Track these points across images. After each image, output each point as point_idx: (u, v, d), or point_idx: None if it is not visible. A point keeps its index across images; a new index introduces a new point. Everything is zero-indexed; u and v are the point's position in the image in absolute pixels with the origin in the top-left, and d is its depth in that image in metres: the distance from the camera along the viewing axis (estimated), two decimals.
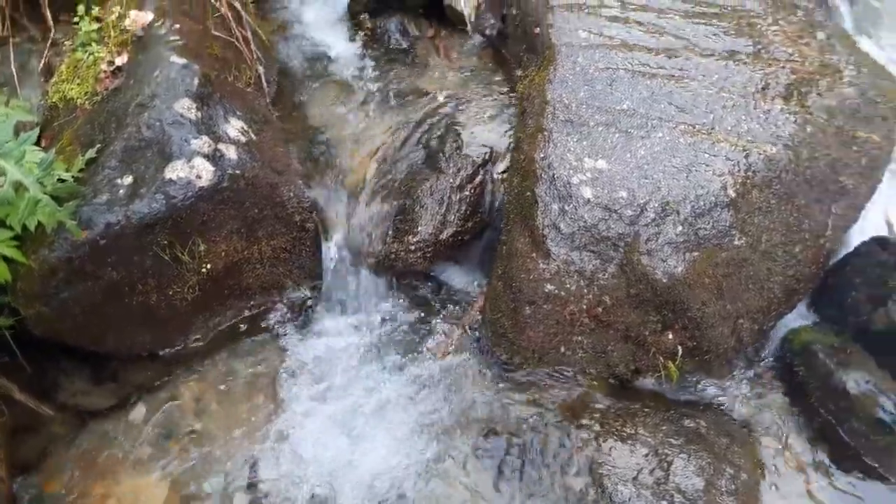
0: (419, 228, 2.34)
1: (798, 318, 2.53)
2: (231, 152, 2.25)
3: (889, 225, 2.57)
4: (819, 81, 2.40)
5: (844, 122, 2.36)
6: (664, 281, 2.16)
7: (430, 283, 2.50)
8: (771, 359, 2.46)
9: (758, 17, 2.55)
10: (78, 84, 2.43)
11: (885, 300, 2.29)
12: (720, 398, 2.35)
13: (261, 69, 2.64)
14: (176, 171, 2.17)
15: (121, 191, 2.15)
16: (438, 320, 2.45)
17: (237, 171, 2.23)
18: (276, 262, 2.42)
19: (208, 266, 2.31)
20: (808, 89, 2.38)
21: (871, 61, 2.58)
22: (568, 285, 2.19)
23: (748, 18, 2.54)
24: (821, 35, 2.55)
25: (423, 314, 2.47)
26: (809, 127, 2.30)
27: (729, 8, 2.58)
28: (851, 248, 2.47)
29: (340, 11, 3.10)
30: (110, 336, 2.32)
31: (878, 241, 2.41)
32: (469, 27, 2.92)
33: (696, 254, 2.17)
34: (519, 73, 2.66)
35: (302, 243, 2.43)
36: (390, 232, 2.35)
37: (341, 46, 2.99)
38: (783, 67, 2.41)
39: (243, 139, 2.32)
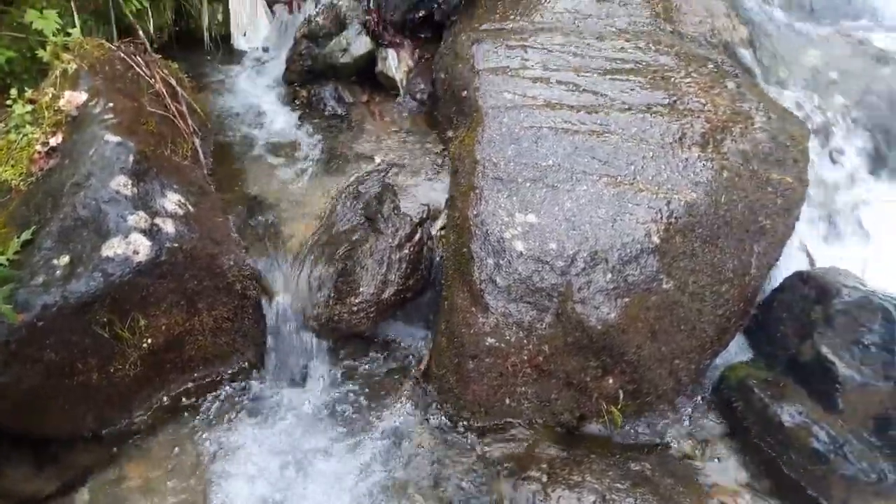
0: (361, 289, 2.38)
1: (737, 353, 2.62)
2: (168, 226, 2.27)
3: (809, 259, 2.71)
4: (732, 129, 2.55)
5: (759, 166, 2.50)
6: (599, 327, 2.23)
7: (375, 344, 2.53)
8: (711, 396, 2.53)
9: (671, 71, 2.71)
10: (12, 166, 2.43)
11: (811, 332, 2.39)
12: (664, 439, 2.40)
13: (197, 141, 2.68)
14: (113, 248, 2.18)
15: (57, 271, 2.14)
16: (385, 381, 2.47)
17: (175, 245, 2.25)
18: (218, 333, 2.42)
19: (149, 341, 2.30)
20: (723, 136, 2.52)
21: (779, 107, 2.75)
22: (508, 337, 2.24)
23: (662, 73, 2.70)
24: (731, 85, 2.72)
25: (368, 376, 2.48)
26: (726, 172, 2.43)
27: (643, 63, 2.73)
28: (777, 285, 2.59)
29: (276, 81, 3.19)
30: (51, 418, 2.27)
31: (800, 276, 2.54)
32: (401, 92, 3.03)
33: (626, 299, 2.25)
34: (451, 133, 2.76)
35: (244, 311, 2.44)
36: (332, 294, 2.38)
37: (278, 115, 3.06)
38: (698, 117, 2.56)
39: (181, 212, 2.34)
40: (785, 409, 2.32)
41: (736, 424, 2.44)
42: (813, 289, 2.46)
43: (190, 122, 2.68)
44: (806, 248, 2.74)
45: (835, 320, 2.37)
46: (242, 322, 2.44)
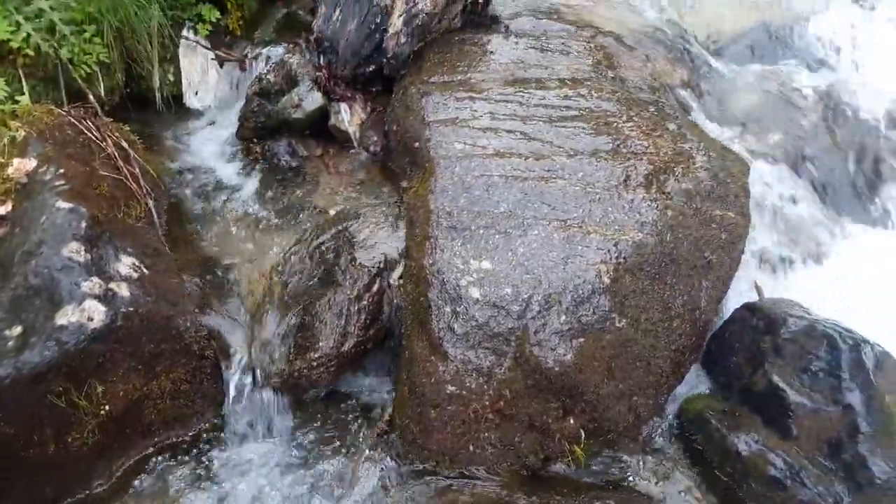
0: (320, 344, 2.39)
1: (696, 385, 2.68)
2: (123, 290, 2.26)
3: (757, 291, 2.81)
4: (675, 169, 2.65)
5: (702, 204, 2.60)
6: (556, 369, 2.27)
7: (337, 398, 2.52)
8: (671, 429, 2.57)
9: (614, 116, 2.81)
10: None
11: (762, 362, 2.47)
12: (628, 475, 2.43)
13: (151, 202, 2.69)
14: (67, 316, 2.16)
15: (9, 342, 2.12)
16: (349, 434, 2.46)
17: (130, 309, 2.24)
18: (177, 395, 2.40)
19: (107, 408, 2.27)
20: (666, 177, 2.62)
21: (719, 145, 2.88)
22: (468, 384, 2.27)
23: (605, 118, 2.80)
24: (672, 126, 2.83)
25: (332, 429, 2.47)
26: (670, 211, 2.52)
27: (587, 110, 2.84)
28: (727, 317, 2.67)
29: (230, 138, 3.21)
30: (6, 493, 2.21)
31: (749, 308, 2.62)
32: (355, 144, 3.08)
33: (582, 340, 2.30)
34: (405, 184, 2.81)
35: (203, 372, 2.42)
36: (292, 350, 2.38)
37: (232, 171, 3.08)
38: (641, 159, 2.65)
39: (135, 275, 2.34)
40: (741, 439, 2.37)
41: (697, 456, 2.48)
42: (761, 320, 2.54)
43: (143, 183, 2.69)
44: (754, 280, 2.84)
45: (783, 349, 2.45)
46: (201, 383, 2.42)
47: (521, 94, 2.93)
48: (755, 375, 2.48)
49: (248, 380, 2.45)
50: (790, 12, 3.58)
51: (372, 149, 3.07)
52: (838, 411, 2.33)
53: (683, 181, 2.62)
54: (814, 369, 2.39)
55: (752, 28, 3.47)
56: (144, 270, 2.38)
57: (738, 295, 2.76)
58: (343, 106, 3.11)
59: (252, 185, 3.04)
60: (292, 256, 2.65)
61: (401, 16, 3.03)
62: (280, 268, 2.64)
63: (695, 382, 2.66)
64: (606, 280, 2.35)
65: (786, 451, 2.32)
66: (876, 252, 2.93)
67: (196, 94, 3.45)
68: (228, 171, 3.11)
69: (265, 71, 3.19)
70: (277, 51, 3.29)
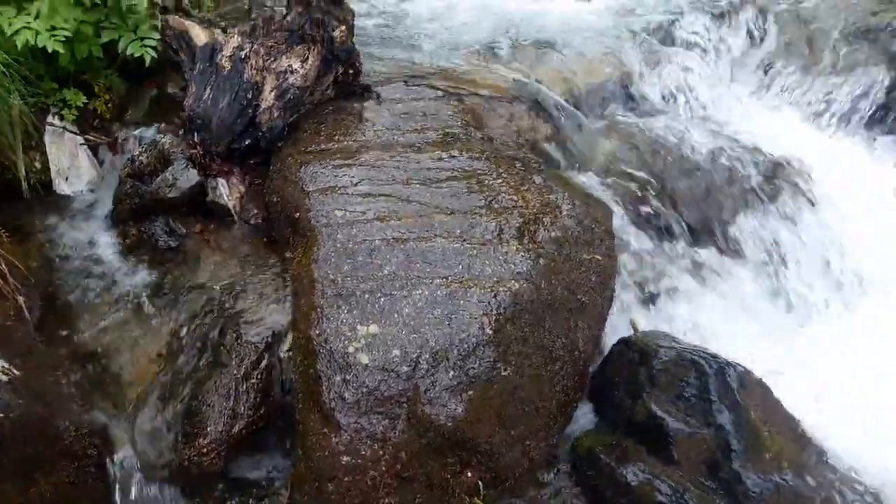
0: (209, 428, 2.34)
1: (588, 422, 2.81)
2: None
3: (632, 326, 3.00)
4: (543, 219, 2.81)
5: (571, 250, 2.76)
6: (449, 424, 2.33)
7: (232, 481, 2.47)
8: (566, 468, 2.68)
9: (485, 175, 2.96)
10: None
11: (640, 393, 2.63)
12: None
13: (21, 299, 2.58)
14: None
15: None
16: None
17: (1, 415, 2.14)
18: (60, 500, 2.28)
19: None
20: (536, 227, 2.77)
21: (583, 193, 3.09)
22: (363, 452, 2.28)
23: (477, 177, 2.95)
24: (538, 179, 3.01)
25: None
26: (542, 259, 2.67)
27: (460, 170, 2.98)
28: (606, 353, 2.83)
29: (104, 222, 3.13)
30: None
31: (624, 343, 2.80)
32: (236, 218, 3.08)
33: (471, 392, 2.38)
34: (289, 255, 2.84)
35: (86, 473, 2.32)
36: (179, 438, 2.33)
37: (109, 256, 3.00)
38: (512, 213, 2.80)
39: (5, 378, 2.24)
40: (629, 469, 2.50)
41: (592, 491, 2.59)
42: (636, 352, 2.72)
43: (10, 279, 2.58)
44: (629, 316, 3.03)
45: (658, 379, 2.62)
46: (86, 484, 2.32)
47: (397, 158, 3.04)
48: (636, 407, 2.63)
49: (137, 474, 2.36)
50: (636, 65, 3.91)
51: (253, 221, 3.08)
52: (712, 432, 2.50)
53: (552, 230, 2.78)
54: (686, 395, 2.57)
55: (603, 81, 3.76)
56: (16, 372, 2.28)
57: (616, 331, 2.94)
58: (221, 181, 3.11)
59: (131, 268, 2.96)
60: (176, 339, 2.61)
61: (272, 90, 3.10)
62: (164, 352, 2.59)
63: (585, 420, 2.79)
64: (489, 331, 2.45)
65: (669, 476, 2.46)
66: (729, 277, 3.22)
67: (66, 179, 3.35)
68: (105, 256, 3.03)
69: (137, 152, 3.15)
70: (149, 131, 3.27)
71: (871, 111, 4.03)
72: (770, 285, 3.38)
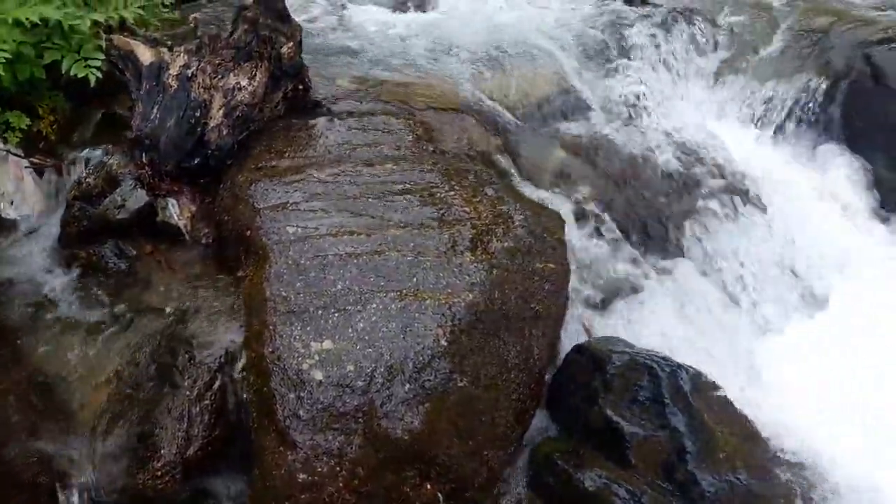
0: (162, 452, 2.30)
1: (546, 430, 2.83)
2: None
3: (587, 332, 3.04)
4: (496, 230, 2.84)
5: (523, 259, 2.79)
6: (406, 437, 2.33)
7: None
8: (526, 477, 2.70)
9: (437, 187, 2.99)
10: None
11: (595, 399, 2.66)
12: None
13: None
14: None
15: None
16: None
17: None
18: None
19: None
20: (489, 238, 2.80)
21: (534, 204, 3.13)
22: (320, 469, 2.27)
23: (430, 189, 2.97)
24: (490, 191, 3.05)
25: None
26: (496, 270, 2.69)
27: (412, 183, 3.00)
28: (562, 360, 2.87)
29: (52, 246, 3.07)
30: None
31: (578, 349, 2.84)
32: (187, 237, 3.05)
33: (428, 405, 2.38)
34: (241, 273, 2.81)
35: (37, 502, 2.26)
36: (133, 463, 2.29)
37: (57, 280, 2.94)
38: (465, 225, 2.83)
39: None
40: (587, 475, 2.53)
41: (552, 499, 2.61)
42: (589, 359, 2.76)
43: None
44: (583, 323, 3.07)
45: (612, 384, 2.66)
46: None
47: (349, 173, 3.04)
48: (591, 412, 2.66)
49: (90, 502, 2.31)
50: (584, 76, 3.99)
51: (205, 241, 3.04)
52: (666, 435, 2.55)
53: (505, 241, 2.81)
54: (640, 399, 2.62)
55: (552, 93, 3.82)
56: None
57: (572, 338, 2.98)
58: (171, 201, 3.08)
59: (80, 292, 2.90)
60: (127, 363, 2.56)
61: (220, 108, 3.08)
62: (115, 376, 2.54)
63: (542, 427, 2.82)
64: (444, 343, 2.46)
65: (627, 480, 2.50)
66: (682, 280, 3.29)
67: (12, 203, 3.27)
68: (54, 281, 2.96)
69: (84, 174, 3.10)
70: (96, 153, 3.20)
71: (811, 119, 4.15)
72: (722, 289, 3.46)
